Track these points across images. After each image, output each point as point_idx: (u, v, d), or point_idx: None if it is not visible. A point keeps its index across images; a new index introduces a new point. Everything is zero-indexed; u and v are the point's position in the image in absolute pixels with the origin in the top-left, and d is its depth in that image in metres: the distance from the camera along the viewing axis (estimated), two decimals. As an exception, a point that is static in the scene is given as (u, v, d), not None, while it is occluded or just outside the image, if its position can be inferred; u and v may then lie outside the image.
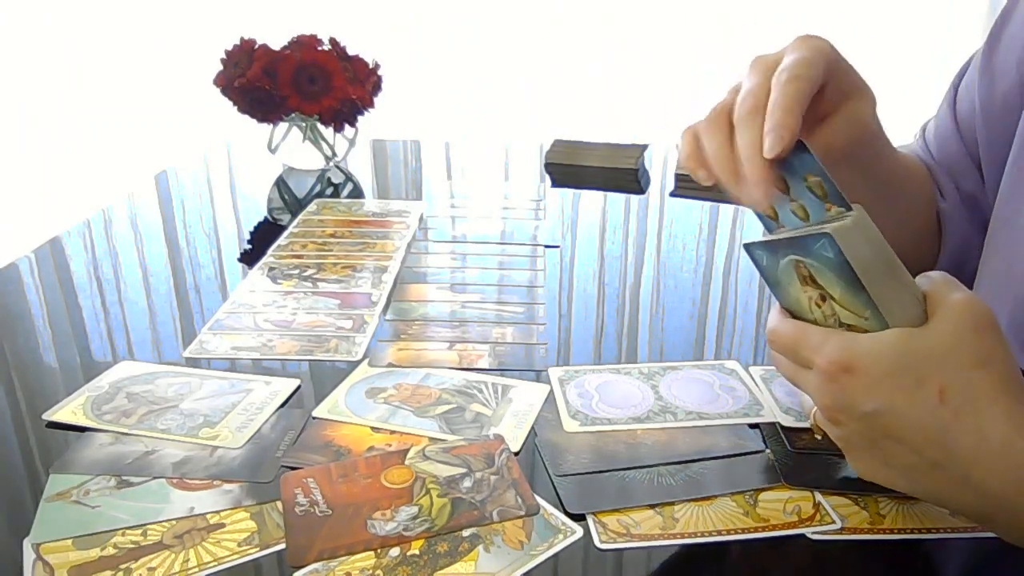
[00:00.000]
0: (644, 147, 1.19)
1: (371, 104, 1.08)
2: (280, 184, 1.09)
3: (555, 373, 0.61)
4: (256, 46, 1.04)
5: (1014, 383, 0.38)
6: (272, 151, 1.11)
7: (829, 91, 0.46)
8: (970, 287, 0.42)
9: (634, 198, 1.01)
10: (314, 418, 0.55)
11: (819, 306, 0.41)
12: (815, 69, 0.43)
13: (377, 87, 1.10)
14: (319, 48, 1.05)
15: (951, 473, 0.38)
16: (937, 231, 0.65)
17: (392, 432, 0.54)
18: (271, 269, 0.79)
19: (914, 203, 0.63)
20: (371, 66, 1.09)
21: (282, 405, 0.57)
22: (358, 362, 0.63)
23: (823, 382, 0.40)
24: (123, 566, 0.42)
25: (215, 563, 0.43)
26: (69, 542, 0.44)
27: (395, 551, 0.43)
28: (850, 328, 0.40)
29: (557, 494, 0.48)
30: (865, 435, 0.40)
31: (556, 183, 1.11)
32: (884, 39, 2.04)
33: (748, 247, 0.43)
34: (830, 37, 0.46)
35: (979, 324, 0.38)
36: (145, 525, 0.45)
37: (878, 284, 0.38)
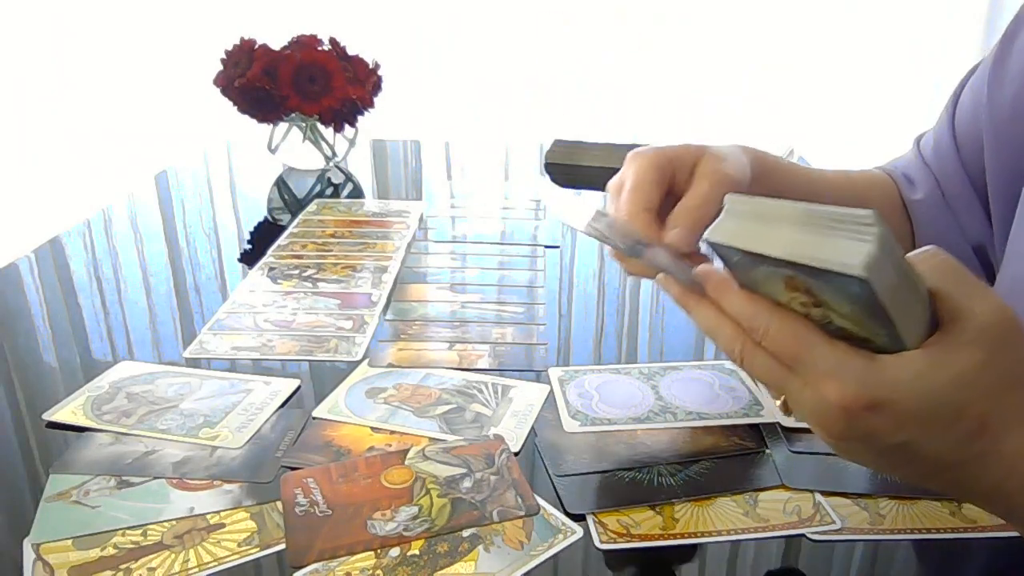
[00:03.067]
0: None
1: (371, 104, 1.08)
2: (280, 184, 1.09)
3: (555, 373, 0.61)
4: (256, 46, 1.04)
5: None
6: (272, 151, 1.11)
7: (678, 173, 0.51)
8: None
9: (634, 198, 1.01)
10: (314, 418, 0.55)
11: (804, 306, 0.36)
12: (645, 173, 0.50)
13: (377, 87, 1.10)
14: (319, 48, 1.05)
15: (974, 488, 0.37)
16: (906, 232, 0.67)
17: (392, 432, 0.54)
18: (271, 269, 0.79)
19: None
20: (371, 66, 1.09)
21: (282, 405, 0.57)
22: (358, 362, 0.63)
23: (836, 415, 0.35)
24: (123, 566, 0.42)
25: (215, 563, 0.43)
26: (69, 542, 0.44)
27: (395, 551, 0.43)
28: (841, 331, 0.36)
29: (557, 494, 0.48)
30: (877, 455, 0.37)
31: (556, 183, 1.11)
32: (883, 41, 2.04)
33: (716, 247, 0.37)
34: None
35: (1009, 339, 0.35)
36: (145, 525, 0.45)
37: (901, 308, 0.33)
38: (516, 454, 0.51)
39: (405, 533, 0.45)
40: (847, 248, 0.32)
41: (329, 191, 1.06)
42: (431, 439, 0.53)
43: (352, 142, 1.12)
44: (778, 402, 0.41)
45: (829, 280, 0.33)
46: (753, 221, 0.36)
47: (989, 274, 0.61)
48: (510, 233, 0.90)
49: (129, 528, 0.45)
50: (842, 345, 0.35)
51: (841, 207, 0.33)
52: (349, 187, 1.09)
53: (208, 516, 0.46)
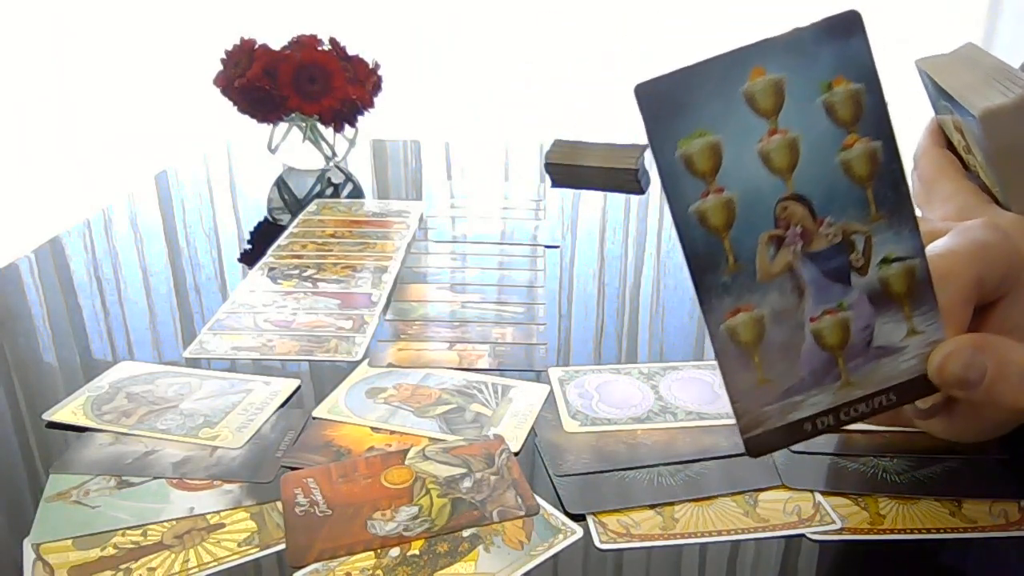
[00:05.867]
0: (644, 147, 1.20)
1: (371, 104, 1.08)
2: (280, 184, 1.09)
3: (555, 373, 0.61)
4: (256, 46, 1.04)
5: None
6: (272, 151, 1.11)
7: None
8: None
9: (634, 198, 1.01)
10: (314, 418, 0.55)
11: (965, 151, 0.37)
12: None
13: (377, 87, 1.10)
14: (319, 48, 1.05)
15: None
16: None
17: (392, 432, 0.54)
18: (271, 269, 0.79)
19: None
20: (371, 66, 1.09)
21: (282, 405, 0.57)
22: (358, 362, 0.63)
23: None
24: (123, 566, 0.43)
25: (215, 563, 0.43)
26: (69, 542, 0.44)
27: (395, 551, 0.43)
28: (980, 183, 0.37)
29: (557, 494, 0.48)
30: None
31: (556, 183, 1.11)
32: (882, 42, 2.04)
33: (920, 68, 0.38)
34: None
35: None
36: (145, 525, 0.45)
37: (1013, 172, 0.33)
38: (516, 454, 0.51)
39: (405, 533, 0.45)
40: (990, 95, 0.32)
41: (329, 191, 1.06)
42: (431, 439, 0.53)
43: (352, 142, 1.12)
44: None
45: (965, 117, 0.34)
46: (961, 61, 0.37)
47: None
48: (510, 233, 0.90)
49: (129, 528, 0.45)
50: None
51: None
52: (349, 187, 1.09)
53: (208, 516, 0.46)
